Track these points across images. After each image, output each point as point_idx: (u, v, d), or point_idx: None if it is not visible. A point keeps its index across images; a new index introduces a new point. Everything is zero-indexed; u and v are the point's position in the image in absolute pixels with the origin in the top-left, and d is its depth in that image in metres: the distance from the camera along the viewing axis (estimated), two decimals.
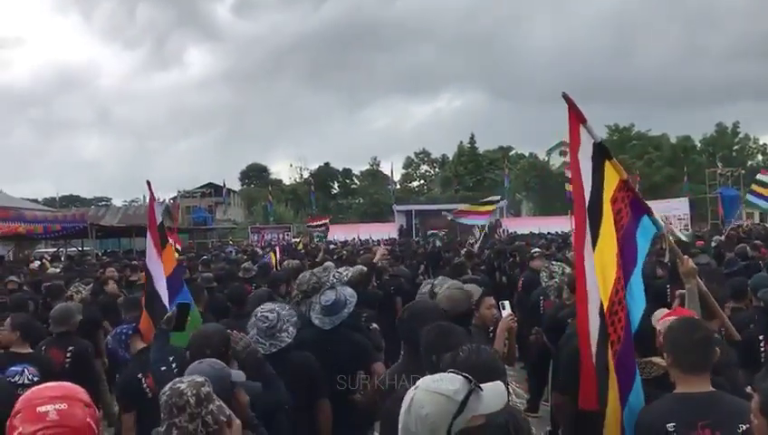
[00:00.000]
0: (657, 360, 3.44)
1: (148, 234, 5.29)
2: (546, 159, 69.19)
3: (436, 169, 74.11)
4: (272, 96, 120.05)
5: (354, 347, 4.72)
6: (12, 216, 18.64)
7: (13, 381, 4.13)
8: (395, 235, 37.39)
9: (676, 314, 3.54)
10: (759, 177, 12.34)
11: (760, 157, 72.24)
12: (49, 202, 56.57)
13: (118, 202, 58.19)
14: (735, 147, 69.23)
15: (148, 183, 5.43)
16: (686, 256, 3.77)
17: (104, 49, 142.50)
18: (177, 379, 2.51)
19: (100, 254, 23.28)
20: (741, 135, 70.47)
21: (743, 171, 46.79)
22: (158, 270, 5.09)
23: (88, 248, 25.08)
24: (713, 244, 13.38)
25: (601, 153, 3.52)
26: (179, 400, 2.38)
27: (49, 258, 20.25)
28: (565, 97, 3.55)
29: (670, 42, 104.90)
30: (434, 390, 1.75)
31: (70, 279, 9.73)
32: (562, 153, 71.92)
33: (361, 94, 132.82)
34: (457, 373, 1.81)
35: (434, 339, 3.04)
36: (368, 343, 4.93)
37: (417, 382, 1.82)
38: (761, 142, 72.37)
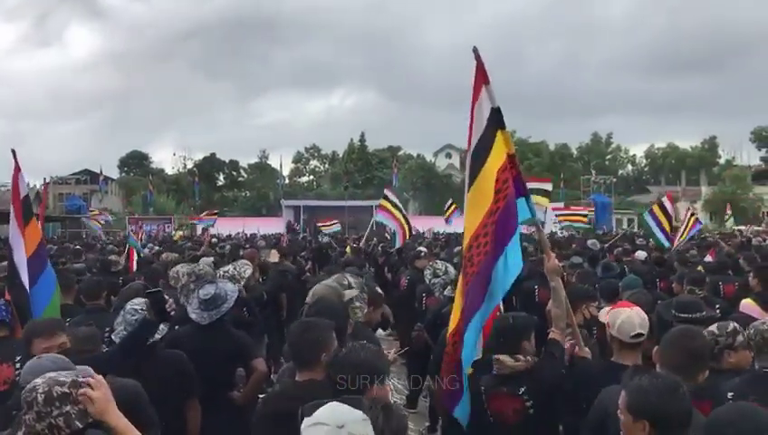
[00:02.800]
0: (503, 358, 3.64)
1: (11, 207, 4.99)
2: (433, 160, 70.89)
3: (326, 166, 74.19)
4: (159, 82, 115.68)
5: (234, 343, 4.59)
6: None
7: None
8: (282, 230, 37.00)
9: (618, 306, 3.73)
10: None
11: (630, 166, 77.72)
12: None
13: None
14: (608, 156, 74.12)
15: (13, 151, 5.05)
16: (552, 253, 3.93)
17: None
18: (49, 375, 2.29)
19: None
20: (614, 145, 75.53)
21: (614, 179, 50.08)
22: (20, 249, 4.80)
23: None
24: (590, 245, 14.13)
25: (496, 120, 3.70)
26: (29, 395, 2.20)
27: None
28: (475, 52, 3.66)
29: (553, 53, 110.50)
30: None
31: None
32: (448, 155, 74.08)
33: (253, 86, 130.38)
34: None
35: (298, 334, 3.07)
36: (248, 338, 4.81)
37: (344, 419, 1.83)
38: (631, 153, 78.00)
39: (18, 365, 3.83)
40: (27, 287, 4.66)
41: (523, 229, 4.16)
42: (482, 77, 3.68)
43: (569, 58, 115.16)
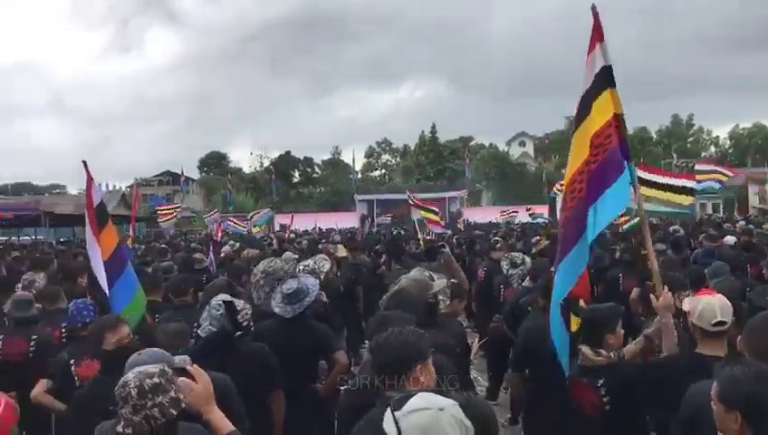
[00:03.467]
0: (585, 350, 3.58)
1: (86, 216, 5.17)
2: (506, 149, 69.94)
3: (398, 159, 74.32)
4: (234, 83, 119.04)
5: (316, 336, 4.68)
6: None
7: None
8: (356, 224, 37.35)
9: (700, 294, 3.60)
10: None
11: (713, 148, 74.33)
12: (1, 189, 55.02)
13: (73, 190, 56.78)
14: (690, 138, 71.05)
15: (85, 163, 5.28)
16: (664, 290, 3.76)
17: (64, 32, 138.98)
18: (135, 369, 2.42)
19: (54, 242, 22.71)
20: (695, 127, 72.40)
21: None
22: (96, 255, 4.99)
23: (41, 237, 24.44)
24: (673, 230, 13.64)
25: (606, 78, 3.74)
26: (123, 391, 2.31)
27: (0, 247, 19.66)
28: (593, 10, 3.74)
29: (629, 34, 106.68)
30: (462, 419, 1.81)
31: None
32: (522, 144, 72.94)
33: (324, 83, 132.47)
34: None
35: (375, 328, 3.06)
36: (330, 331, 4.90)
37: (441, 403, 1.82)
38: (714, 135, 74.55)
39: None
40: (106, 290, 4.83)
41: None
42: (597, 34, 3.76)
43: (645, 37, 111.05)
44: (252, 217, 26.79)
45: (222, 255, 11.25)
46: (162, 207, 26.38)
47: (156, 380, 2.34)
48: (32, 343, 5.18)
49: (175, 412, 2.34)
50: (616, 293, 7.43)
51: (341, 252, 9.70)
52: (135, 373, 2.36)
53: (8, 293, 6.42)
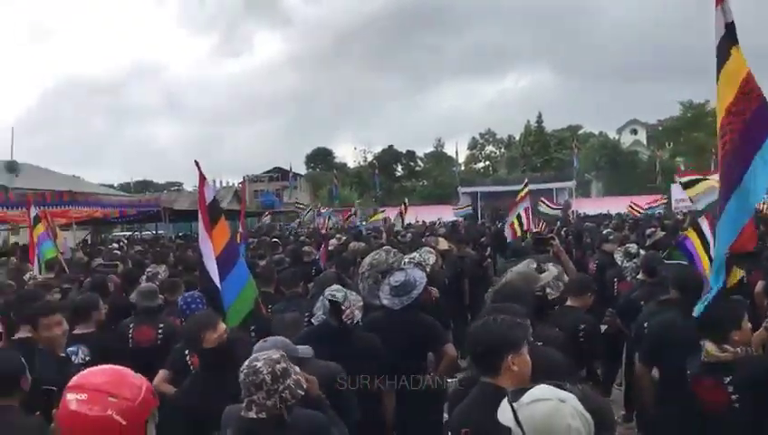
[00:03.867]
0: (709, 346, 3.44)
1: (199, 214, 5.30)
2: (617, 137, 67.27)
3: (502, 150, 73.13)
4: (338, 80, 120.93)
5: (425, 328, 4.69)
6: (90, 201, 19.36)
7: (71, 360, 4.26)
8: (460, 217, 37.08)
9: None
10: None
11: None
12: (124, 187, 58.64)
13: (188, 187, 59.76)
14: None
15: (197, 163, 5.42)
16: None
17: (176, 36, 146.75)
18: (254, 356, 2.53)
19: (173, 237, 24.02)
20: None
21: None
22: (208, 249, 5.11)
23: (162, 232, 25.92)
24: None
25: (730, 35, 3.64)
26: (256, 378, 2.43)
27: (125, 242, 21.01)
28: None
29: (745, 15, 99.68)
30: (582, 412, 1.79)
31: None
32: (633, 131, 69.87)
33: (426, 76, 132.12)
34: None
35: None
36: (438, 324, 4.89)
37: (562, 395, 1.80)
38: None
39: None
40: (218, 283, 4.93)
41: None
42: None
43: (759, 18, 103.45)
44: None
45: (330, 248, 11.50)
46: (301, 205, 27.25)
47: (283, 364, 2.49)
48: (159, 332, 5.46)
49: (302, 393, 2.47)
50: (741, 285, 6.99)
51: (443, 245, 9.65)
52: (263, 361, 2.47)
53: (134, 284, 6.87)
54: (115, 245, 18.74)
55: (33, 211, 9.37)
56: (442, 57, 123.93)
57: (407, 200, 23.14)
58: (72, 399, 1.81)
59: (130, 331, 5.49)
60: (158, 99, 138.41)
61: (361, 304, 4.30)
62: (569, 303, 5.00)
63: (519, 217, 12.06)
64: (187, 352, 4.33)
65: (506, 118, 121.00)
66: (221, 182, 50.00)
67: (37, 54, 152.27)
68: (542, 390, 1.80)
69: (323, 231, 21.13)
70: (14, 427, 3.00)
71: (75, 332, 4.77)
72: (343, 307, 4.04)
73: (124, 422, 1.80)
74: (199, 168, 5.40)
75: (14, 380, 3.17)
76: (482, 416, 2.45)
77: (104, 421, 1.78)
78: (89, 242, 22.11)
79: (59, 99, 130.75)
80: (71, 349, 4.35)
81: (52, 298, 5.77)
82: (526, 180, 13.69)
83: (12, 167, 24.98)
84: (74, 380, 1.89)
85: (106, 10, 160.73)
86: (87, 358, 4.27)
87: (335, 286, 4.30)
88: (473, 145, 74.85)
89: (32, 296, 5.02)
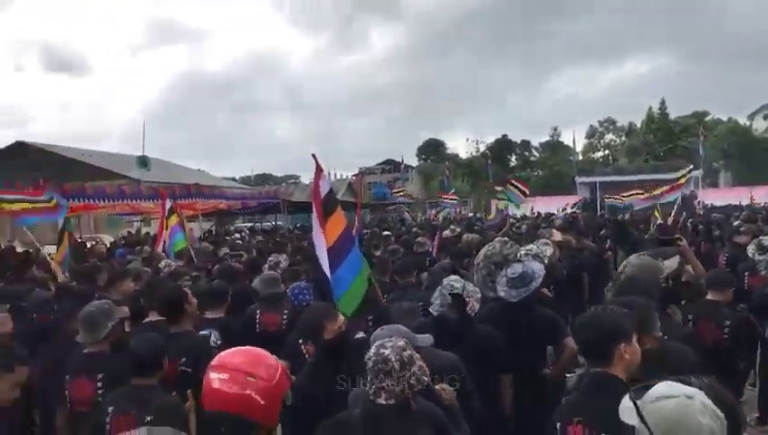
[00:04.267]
0: None
1: (313, 205, 5.35)
2: (748, 123, 62.84)
3: (623, 138, 70.21)
4: (450, 70, 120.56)
5: (544, 321, 4.61)
6: (215, 193, 20.38)
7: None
8: (577, 208, 35.94)
9: None
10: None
11: None
12: (244, 181, 61.17)
13: (305, 179, 61.65)
14: None
15: (314, 156, 5.49)
16: None
17: (295, 34, 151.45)
18: (379, 343, 2.60)
19: (291, 228, 24.86)
20: None
21: None
22: (320, 242, 5.14)
23: (280, 223, 26.89)
24: None
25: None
26: (385, 365, 2.51)
27: (247, 232, 21.97)
28: None
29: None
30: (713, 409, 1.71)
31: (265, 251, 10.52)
32: (767, 117, 64.96)
33: (541, 63, 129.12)
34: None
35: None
36: (557, 316, 4.78)
37: (689, 391, 1.73)
38: None
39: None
40: (328, 274, 4.95)
41: None
42: None
43: None
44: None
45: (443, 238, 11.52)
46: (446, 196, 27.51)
47: (409, 351, 2.56)
48: (284, 317, 5.63)
49: (426, 380, 2.55)
50: None
51: (557, 237, 9.40)
52: (389, 348, 2.55)
53: (256, 272, 7.19)
54: (237, 235, 19.63)
55: (168, 203, 9.96)
56: (558, 43, 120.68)
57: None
58: (214, 378, 1.92)
59: (257, 316, 5.72)
60: (278, 94, 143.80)
61: (479, 295, 4.28)
62: (710, 297, 4.79)
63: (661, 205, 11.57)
64: (300, 341, 4.43)
65: (627, 105, 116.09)
66: (335, 175, 51.23)
67: (167, 53, 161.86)
68: (667, 386, 1.72)
69: (436, 221, 21.22)
70: (155, 405, 3.21)
71: (207, 316, 5.06)
72: (466, 299, 4.03)
73: (262, 401, 1.90)
74: (316, 160, 5.46)
75: (157, 361, 3.41)
76: (595, 405, 2.41)
77: (244, 399, 1.88)
78: (213, 232, 23.27)
79: (186, 96, 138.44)
80: (203, 332, 4.59)
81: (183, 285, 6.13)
82: (691, 166, 13.09)
83: (143, 161, 26.63)
84: (216, 360, 2.00)
85: (230, 11, 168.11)
86: (219, 341, 4.49)
87: (453, 277, 4.31)
88: (591, 133, 72.39)
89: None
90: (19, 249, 14.70)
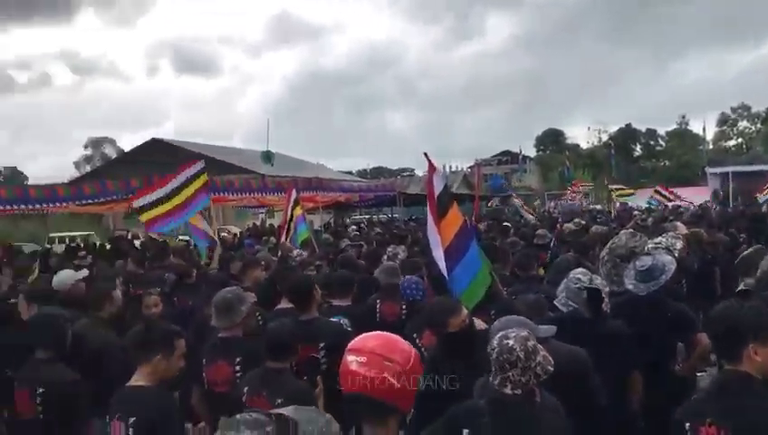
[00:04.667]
0: None
1: (427, 206, 5.33)
2: None
3: (758, 125, 65.43)
4: (568, 58, 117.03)
5: (674, 316, 4.43)
6: (334, 186, 20.94)
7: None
8: (708, 199, 33.90)
9: None
10: None
11: None
12: (360, 174, 62.41)
13: (420, 172, 61.95)
14: None
15: (426, 155, 5.45)
16: None
17: (409, 27, 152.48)
18: (502, 334, 2.63)
19: (406, 220, 25.13)
20: None
21: None
22: (435, 240, 5.14)
23: (396, 215, 27.24)
24: None
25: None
26: (510, 356, 2.53)
27: (365, 224, 22.43)
28: None
29: None
30: None
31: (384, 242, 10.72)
32: None
33: (667, 48, 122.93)
34: None
35: None
36: (689, 311, 4.58)
37: None
38: None
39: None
40: (445, 273, 4.95)
41: None
42: None
43: None
44: None
45: (565, 231, 11.31)
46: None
47: (533, 341, 2.57)
48: (403, 308, 5.63)
49: (551, 369, 2.54)
50: None
51: (681, 230, 8.93)
52: (513, 338, 2.58)
53: (375, 263, 7.35)
54: (353, 227, 20.10)
55: (294, 194, 10.36)
56: (686, 27, 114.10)
57: None
58: (352, 360, 2.01)
59: (377, 306, 5.86)
60: (394, 88, 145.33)
61: (607, 289, 4.19)
62: None
63: None
64: (415, 334, 4.44)
65: (763, 90, 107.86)
66: (450, 167, 51.10)
67: (288, 51, 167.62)
68: None
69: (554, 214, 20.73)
70: (287, 389, 3.36)
71: (333, 304, 5.25)
72: (603, 296, 3.95)
73: (398, 385, 1.96)
74: (429, 159, 5.42)
75: (291, 346, 3.59)
76: (729, 404, 2.32)
77: (381, 382, 1.95)
78: (332, 224, 23.95)
79: (305, 92, 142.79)
80: (334, 319, 4.78)
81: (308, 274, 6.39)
82: None
83: (267, 156, 27.78)
84: (353, 343, 2.09)
85: (347, 8, 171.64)
86: (349, 328, 4.65)
87: (580, 270, 4.24)
88: (723, 121, 68.01)
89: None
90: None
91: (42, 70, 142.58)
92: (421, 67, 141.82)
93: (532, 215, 21.18)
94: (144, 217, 9.25)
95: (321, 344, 4.20)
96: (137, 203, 9.38)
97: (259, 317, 4.77)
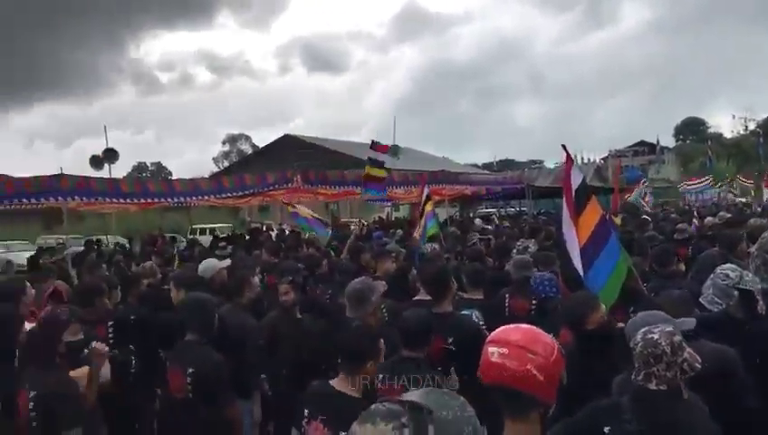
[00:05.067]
0: None
1: (563, 198, 5.15)
2: None
3: None
4: (709, 42, 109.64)
5: None
6: (461, 179, 20.79)
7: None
8: None
9: None
10: None
11: None
12: (487, 166, 61.78)
13: (549, 164, 60.41)
14: None
15: (564, 146, 5.32)
16: None
17: (538, 16, 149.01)
18: (647, 329, 2.53)
19: (535, 213, 24.59)
20: None
21: None
22: (571, 237, 4.94)
23: (524, 208, 26.70)
24: None
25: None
26: (655, 350, 2.47)
27: (497, 217, 22.18)
28: None
29: None
30: None
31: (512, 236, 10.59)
32: None
33: None
34: None
35: None
36: None
37: None
38: None
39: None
40: (580, 271, 4.77)
41: None
42: None
43: None
44: None
45: (707, 225, 10.67)
46: None
47: (678, 337, 2.50)
48: (533, 303, 5.55)
49: (698, 366, 2.46)
50: None
51: None
52: (658, 333, 2.50)
53: (505, 257, 7.25)
54: (478, 220, 19.91)
55: (426, 190, 10.41)
56: None
57: None
58: (493, 351, 1.99)
59: (506, 300, 5.78)
60: (521, 78, 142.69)
61: (759, 286, 3.89)
62: None
63: None
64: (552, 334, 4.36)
65: None
66: (582, 159, 49.34)
67: (414, 44, 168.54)
68: None
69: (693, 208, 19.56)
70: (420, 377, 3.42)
71: (464, 296, 5.25)
72: (757, 297, 3.70)
73: (541, 378, 1.93)
74: (566, 150, 5.31)
75: (425, 336, 3.64)
76: None
77: (524, 374, 1.92)
78: (458, 217, 23.86)
79: (431, 85, 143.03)
80: (465, 312, 4.77)
81: None
82: None
83: (394, 150, 28.14)
84: (495, 334, 2.07)
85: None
86: (480, 322, 4.63)
87: (728, 266, 3.97)
88: None
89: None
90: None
91: (183, 71, 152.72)
92: (551, 56, 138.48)
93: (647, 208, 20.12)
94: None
95: (451, 339, 4.20)
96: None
97: (383, 309, 4.83)
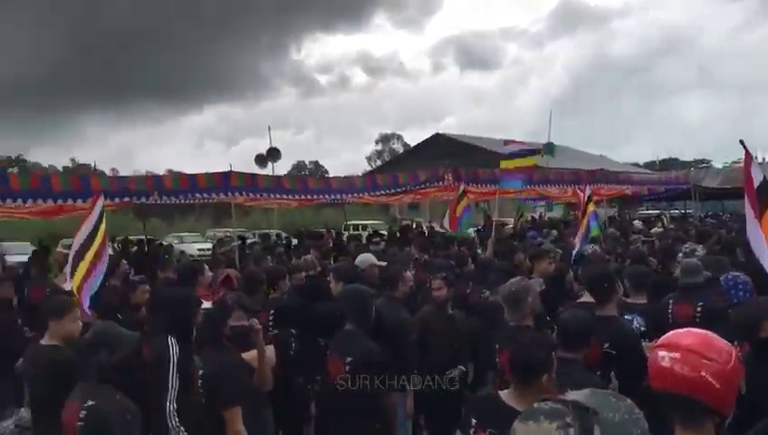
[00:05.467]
0: None
1: (746, 197, 4.94)
2: None
3: None
4: None
5: None
6: (621, 178, 19.86)
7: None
8: None
9: None
10: None
11: None
12: (648, 165, 58.42)
13: (717, 163, 55.93)
14: None
15: (742, 142, 5.07)
16: None
17: (705, 5, 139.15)
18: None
19: (702, 216, 22.92)
20: None
21: None
22: (758, 237, 4.68)
23: (690, 211, 24.95)
24: None
25: None
26: None
27: (666, 218, 20.95)
28: None
29: None
30: None
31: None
32: None
33: None
34: None
35: None
36: None
37: None
38: None
39: None
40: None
41: None
42: None
43: None
44: None
45: None
46: None
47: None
48: (698, 310, 5.19)
49: None
50: None
51: None
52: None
53: (671, 260, 6.82)
54: (637, 222, 18.90)
55: (588, 190, 10.09)
56: None
57: None
58: (664, 356, 1.89)
59: (670, 306, 5.45)
60: (689, 73, 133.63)
61: None
62: None
63: None
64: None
65: None
66: (756, 158, 45.32)
67: (572, 39, 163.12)
68: None
69: None
70: (575, 380, 3.29)
71: (628, 301, 5.07)
72: None
73: (717, 385, 1.81)
74: (746, 148, 5.10)
75: (584, 337, 3.53)
76: None
77: (698, 381, 1.82)
78: (617, 218, 22.77)
79: (589, 81, 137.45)
80: (627, 317, 4.59)
81: None
82: None
83: (550, 148, 27.39)
84: (666, 338, 1.97)
85: None
86: (642, 328, 4.45)
87: None
88: None
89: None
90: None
91: (340, 72, 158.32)
92: (718, 50, 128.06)
93: None
94: None
95: (607, 344, 4.05)
96: None
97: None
